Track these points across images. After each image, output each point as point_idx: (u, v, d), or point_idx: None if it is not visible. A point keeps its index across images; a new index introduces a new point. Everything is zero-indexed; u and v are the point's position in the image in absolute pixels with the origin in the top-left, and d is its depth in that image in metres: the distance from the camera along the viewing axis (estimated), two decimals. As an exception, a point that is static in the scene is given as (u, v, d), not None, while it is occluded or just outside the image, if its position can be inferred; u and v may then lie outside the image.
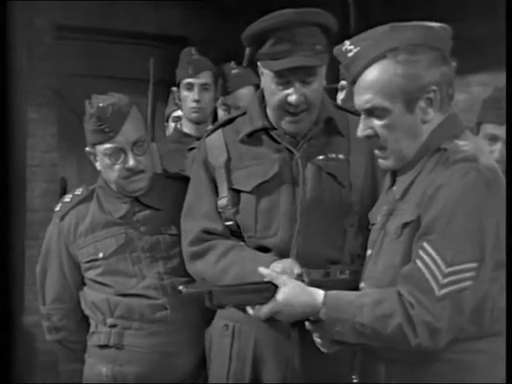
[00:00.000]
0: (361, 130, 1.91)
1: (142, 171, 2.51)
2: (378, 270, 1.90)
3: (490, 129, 2.82)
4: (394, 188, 1.94)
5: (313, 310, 1.88)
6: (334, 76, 3.43)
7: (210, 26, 5.72)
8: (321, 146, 2.38)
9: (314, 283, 2.00)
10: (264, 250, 2.33)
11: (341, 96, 3.50)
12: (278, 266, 2.20)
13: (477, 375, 1.79)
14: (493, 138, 2.80)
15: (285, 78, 2.27)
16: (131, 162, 2.48)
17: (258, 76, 2.41)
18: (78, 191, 2.64)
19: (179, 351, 2.49)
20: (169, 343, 2.48)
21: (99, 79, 5.13)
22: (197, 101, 3.41)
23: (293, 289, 1.92)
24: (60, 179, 5.30)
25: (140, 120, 2.58)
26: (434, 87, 1.84)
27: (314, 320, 1.89)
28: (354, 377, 2.01)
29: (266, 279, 1.99)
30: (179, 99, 3.50)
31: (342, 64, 1.94)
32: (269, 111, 2.39)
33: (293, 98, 2.27)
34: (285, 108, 2.30)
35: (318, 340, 1.95)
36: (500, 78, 2.68)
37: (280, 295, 1.92)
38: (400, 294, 1.76)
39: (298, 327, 2.22)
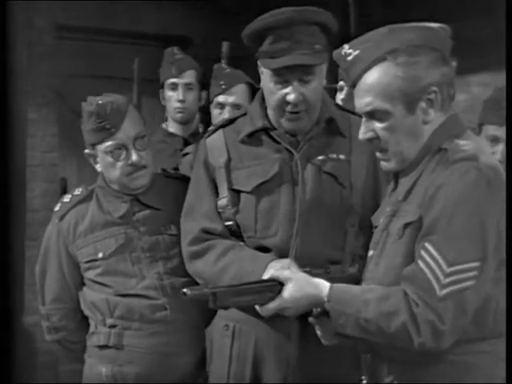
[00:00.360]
0: (362, 133, 1.91)
1: (144, 167, 2.51)
2: (379, 271, 1.90)
3: (491, 130, 2.81)
4: (397, 190, 1.94)
5: (318, 301, 1.88)
6: (333, 76, 3.43)
7: (210, 26, 5.72)
8: (321, 147, 2.37)
9: None
10: (264, 250, 2.33)
11: (340, 96, 3.50)
12: (277, 265, 2.20)
13: (478, 376, 1.78)
14: (494, 140, 2.80)
15: (283, 76, 2.27)
16: (134, 157, 2.48)
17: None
18: (78, 191, 2.64)
19: (179, 351, 2.49)
20: (168, 343, 2.48)
21: (99, 79, 5.13)
22: (181, 101, 3.42)
23: (297, 282, 1.92)
24: (60, 179, 5.30)
25: (138, 117, 2.58)
26: (434, 88, 1.84)
27: (318, 313, 1.89)
28: (363, 377, 2.00)
29: (267, 277, 1.99)
30: (164, 99, 3.50)
31: (342, 67, 1.93)
32: (269, 111, 2.38)
33: (291, 97, 2.27)
34: (284, 107, 2.30)
35: (319, 332, 1.95)
36: (500, 78, 2.68)
37: (285, 292, 1.92)
38: (405, 293, 1.76)
39: (298, 326, 2.22)
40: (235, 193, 2.37)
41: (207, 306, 1.91)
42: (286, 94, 2.28)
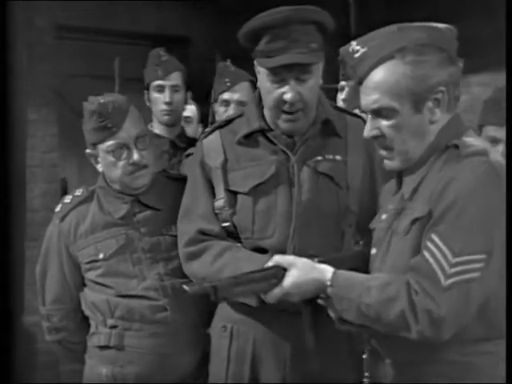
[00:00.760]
0: (367, 131, 1.91)
1: (145, 166, 2.51)
2: (385, 269, 1.90)
3: (491, 131, 2.81)
4: (402, 189, 1.94)
5: (321, 286, 1.89)
6: (333, 76, 3.43)
7: (210, 26, 5.73)
8: (318, 147, 2.37)
9: None
10: (261, 251, 2.33)
11: (341, 96, 3.50)
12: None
13: (481, 377, 1.78)
14: (494, 141, 2.79)
15: (280, 75, 2.26)
16: (135, 157, 2.48)
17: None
18: (78, 192, 2.64)
19: (179, 352, 2.49)
20: (169, 344, 2.48)
21: (99, 79, 5.12)
22: (168, 103, 3.39)
23: (301, 268, 1.93)
24: (60, 180, 5.30)
25: (139, 117, 2.58)
26: (441, 88, 1.84)
27: (324, 297, 1.89)
28: (366, 374, 2.00)
29: (270, 264, 1.98)
30: (149, 101, 3.47)
31: (349, 64, 1.93)
32: (266, 112, 2.38)
33: (288, 96, 2.27)
34: (281, 107, 2.30)
35: (332, 315, 1.95)
36: (500, 79, 2.68)
37: (289, 278, 1.92)
38: (408, 282, 1.76)
39: (296, 327, 2.22)
40: (232, 194, 2.37)
41: (208, 305, 1.90)
42: (283, 93, 2.28)
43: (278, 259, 1.98)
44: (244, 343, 2.35)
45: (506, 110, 2.34)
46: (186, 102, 3.51)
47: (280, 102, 2.29)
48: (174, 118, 3.44)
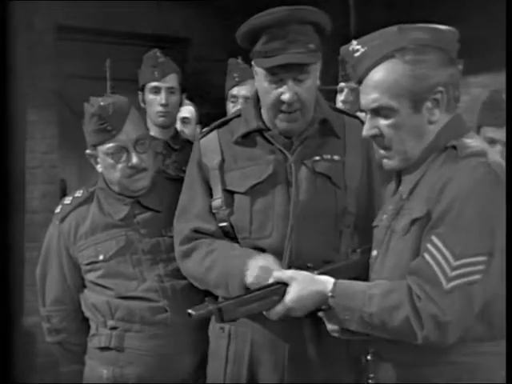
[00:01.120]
0: (366, 130, 1.91)
1: (144, 169, 2.51)
2: (385, 271, 1.90)
3: (488, 132, 2.82)
4: (400, 188, 1.94)
5: (323, 297, 1.88)
6: (332, 78, 3.43)
7: (210, 27, 5.72)
8: (315, 147, 2.37)
9: None
10: (259, 250, 2.33)
11: (340, 98, 3.51)
12: (259, 261, 2.22)
13: (483, 377, 1.78)
14: (492, 141, 2.80)
15: (277, 75, 2.26)
16: (134, 160, 2.48)
17: None
18: (78, 193, 2.64)
19: (179, 353, 2.49)
20: (169, 345, 2.48)
21: (99, 80, 5.12)
22: (164, 105, 3.36)
23: (302, 281, 1.93)
24: (60, 181, 5.30)
25: (140, 119, 2.58)
26: (441, 88, 1.84)
27: (326, 309, 1.89)
28: (370, 375, 2.00)
29: (271, 281, 1.98)
30: (144, 102, 3.44)
31: (349, 63, 1.93)
32: (263, 112, 2.38)
33: (286, 96, 2.27)
34: (278, 107, 2.30)
35: (330, 327, 1.95)
36: (500, 80, 2.68)
37: (290, 294, 1.92)
38: (409, 287, 1.76)
39: (294, 328, 2.21)
40: (229, 194, 2.37)
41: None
42: (281, 93, 2.28)
43: (277, 275, 1.98)
44: (242, 344, 2.35)
45: (506, 110, 2.35)
46: (181, 104, 3.51)
47: (278, 102, 2.29)
48: (169, 120, 3.43)
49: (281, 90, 2.27)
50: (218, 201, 2.37)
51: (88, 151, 2.57)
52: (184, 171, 2.52)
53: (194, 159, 2.46)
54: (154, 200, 2.57)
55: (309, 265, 2.08)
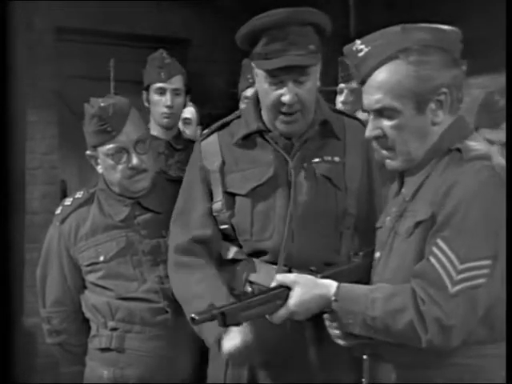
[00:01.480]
0: (369, 130, 1.90)
1: (144, 170, 2.52)
2: (388, 272, 1.89)
3: (485, 133, 2.81)
4: (403, 190, 1.93)
5: (326, 301, 1.87)
6: (332, 79, 3.43)
7: (210, 28, 5.72)
8: (316, 149, 2.37)
9: None
10: (259, 252, 2.33)
11: (340, 99, 3.50)
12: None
13: (484, 378, 1.78)
14: (489, 143, 2.79)
15: (278, 77, 2.26)
16: (135, 161, 2.48)
17: None
18: (79, 194, 2.64)
19: (179, 354, 2.49)
20: (169, 346, 2.48)
21: (99, 81, 5.12)
22: (169, 107, 3.36)
23: (305, 285, 1.91)
24: (60, 182, 5.29)
25: (140, 120, 2.58)
26: (444, 89, 1.84)
27: (330, 312, 1.88)
28: (363, 380, 2.00)
29: (273, 284, 1.98)
30: (148, 102, 3.44)
31: (352, 63, 1.92)
32: (264, 113, 2.38)
33: (286, 98, 2.26)
34: (279, 108, 2.29)
35: (335, 332, 1.94)
36: (500, 81, 2.67)
37: (293, 298, 1.91)
38: (413, 290, 1.75)
39: (295, 329, 2.21)
40: (230, 196, 2.37)
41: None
42: (281, 94, 2.27)
43: (280, 279, 1.95)
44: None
45: (507, 110, 2.34)
46: (184, 106, 3.50)
47: (278, 103, 2.29)
48: (174, 121, 3.42)
49: (281, 91, 2.27)
50: (218, 203, 2.37)
51: (88, 152, 2.57)
52: None
53: (194, 162, 2.46)
54: (155, 201, 2.57)
55: (312, 268, 2.08)
